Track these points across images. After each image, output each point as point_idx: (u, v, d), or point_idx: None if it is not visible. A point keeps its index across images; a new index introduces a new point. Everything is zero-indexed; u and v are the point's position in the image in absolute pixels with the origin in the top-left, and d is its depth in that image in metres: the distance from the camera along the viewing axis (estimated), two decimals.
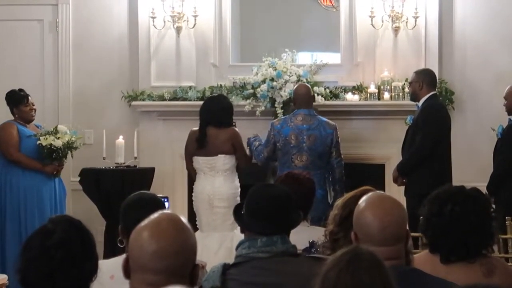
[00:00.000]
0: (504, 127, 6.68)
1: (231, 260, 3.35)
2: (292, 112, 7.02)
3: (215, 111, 6.83)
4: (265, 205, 3.29)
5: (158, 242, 2.27)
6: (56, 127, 7.34)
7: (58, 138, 7.17)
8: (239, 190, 6.84)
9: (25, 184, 7.16)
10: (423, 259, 3.19)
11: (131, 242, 2.34)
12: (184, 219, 2.39)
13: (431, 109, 6.75)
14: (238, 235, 6.44)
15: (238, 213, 3.42)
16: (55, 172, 7.27)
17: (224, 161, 6.79)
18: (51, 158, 7.17)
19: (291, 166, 6.66)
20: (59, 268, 2.56)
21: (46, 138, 7.14)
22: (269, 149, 6.82)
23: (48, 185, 7.27)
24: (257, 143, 6.95)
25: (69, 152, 7.30)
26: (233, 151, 6.81)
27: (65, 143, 7.19)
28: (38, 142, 7.13)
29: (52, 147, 7.11)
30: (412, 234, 4.62)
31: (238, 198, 6.71)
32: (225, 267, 3.21)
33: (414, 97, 6.89)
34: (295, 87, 7.11)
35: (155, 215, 2.35)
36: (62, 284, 2.56)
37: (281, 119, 6.87)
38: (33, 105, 7.30)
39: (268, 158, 6.90)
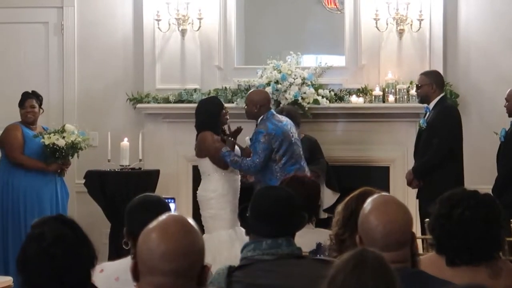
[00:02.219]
0: (507, 130, 6.68)
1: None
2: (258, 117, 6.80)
3: (195, 115, 6.86)
4: (270, 208, 3.30)
5: (166, 244, 2.28)
6: (64, 126, 7.36)
7: (63, 137, 7.18)
8: (214, 193, 6.68)
9: (25, 186, 7.18)
10: (429, 261, 3.18)
11: (139, 245, 2.34)
12: (192, 221, 2.40)
13: (447, 111, 6.82)
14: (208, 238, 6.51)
15: (243, 215, 3.43)
16: (59, 171, 7.28)
17: (200, 164, 6.80)
18: (55, 157, 7.19)
19: (298, 161, 6.67)
20: (63, 264, 2.58)
21: (50, 137, 7.16)
22: (265, 156, 6.62)
23: (49, 187, 7.28)
24: (235, 159, 6.65)
25: (74, 152, 7.31)
26: (204, 155, 6.78)
27: (68, 143, 7.19)
28: (42, 140, 7.15)
29: (55, 146, 7.13)
30: (424, 236, 4.64)
31: (213, 202, 6.67)
32: (230, 269, 3.22)
33: (425, 100, 6.87)
34: (256, 93, 6.92)
35: (162, 218, 2.36)
36: (70, 279, 2.58)
37: (265, 124, 6.67)
38: (33, 108, 7.30)
39: (264, 165, 6.69)
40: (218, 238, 6.51)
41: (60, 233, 2.62)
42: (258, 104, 6.72)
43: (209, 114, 6.75)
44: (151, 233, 2.32)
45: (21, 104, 7.30)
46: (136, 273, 2.35)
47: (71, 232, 2.65)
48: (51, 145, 7.12)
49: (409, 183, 6.88)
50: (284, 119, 6.84)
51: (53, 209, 7.21)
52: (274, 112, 6.84)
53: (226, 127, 6.88)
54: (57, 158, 7.20)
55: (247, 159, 6.65)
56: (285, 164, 6.64)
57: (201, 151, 6.77)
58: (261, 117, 6.72)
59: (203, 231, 6.61)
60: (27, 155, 7.19)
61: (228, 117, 6.85)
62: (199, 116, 6.82)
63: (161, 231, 2.31)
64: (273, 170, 6.66)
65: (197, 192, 6.83)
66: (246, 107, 6.81)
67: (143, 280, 2.32)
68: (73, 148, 7.26)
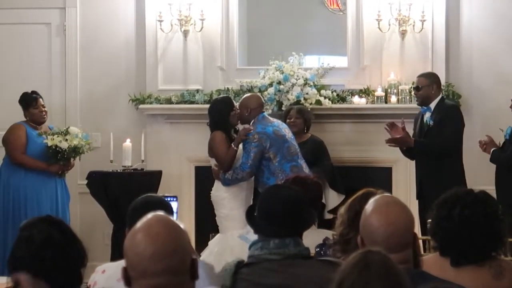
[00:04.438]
0: None
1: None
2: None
3: (208, 114, 6.89)
4: (277, 208, 3.29)
5: (153, 245, 2.29)
6: (68, 128, 7.35)
7: (66, 140, 7.18)
8: (227, 194, 6.72)
9: (25, 186, 7.19)
10: (432, 262, 3.18)
11: (126, 251, 2.35)
12: (175, 219, 2.43)
13: (455, 110, 6.88)
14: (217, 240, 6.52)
15: (250, 215, 3.42)
16: (60, 172, 7.27)
17: (212, 164, 6.83)
18: (56, 159, 7.19)
19: (293, 158, 6.70)
20: (53, 266, 2.58)
21: (53, 139, 7.16)
22: (255, 155, 6.62)
23: (49, 188, 7.27)
24: (229, 173, 6.69)
25: (76, 155, 7.30)
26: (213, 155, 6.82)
27: (71, 146, 7.19)
28: (45, 141, 7.15)
29: (57, 149, 7.13)
30: (425, 237, 4.64)
31: (225, 202, 6.71)
32: (238, 266, 3.22)
33: (426, 101, 6.84)
34: (249, 97, 6.92)
35: (143, 220, 2.37)
36: (60, 279, 2.59)
37: (254, 125, 6.70)
38: (44, 107, 7.32)
39: (255, 167, 6.66)
40: (231, 239, 6.52)
41: (49, 235, 2.63)
42: (249, 108, 6.77)
43: (219, 113, 6.79)
44: (136, 237, 2.33)
45: (34, 104, 7.27)
46: (127, 278, 2.35)
47: (59, 233, 2.65)
48: (54, 147, 7.13)
49: (396, 143, 6.84)
50: (275, 120, 6.90)
51: (53, 210, 7.21)
52: (266, 115, 6.88)
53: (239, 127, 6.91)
54: (58, 160, 7.20)
55: (238, 167, 6.67)
56: (280, 161, 6.66)
57: (210, 150, 6.79)
58: (253, 120, 6.76)
59: (217, 231, 6.65)
60: (29, 155, 7.20)
61: (237, 118, 6.86)
62: (211, 115, 6.87)
63: (145, 233, 2.32)
64: (270, 168, 6.67)
65: (211, 192, 6.85)
66: (239, 111, 6.83)
67: (137, 284, 2.33)
68: (75, 151, 7.25)
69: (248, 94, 7.17)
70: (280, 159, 6.67)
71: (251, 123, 6.77)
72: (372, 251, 2.29)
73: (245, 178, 6.70)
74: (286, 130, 6.85)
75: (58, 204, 7.32)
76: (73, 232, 2.71)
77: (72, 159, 7.33)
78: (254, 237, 3.39)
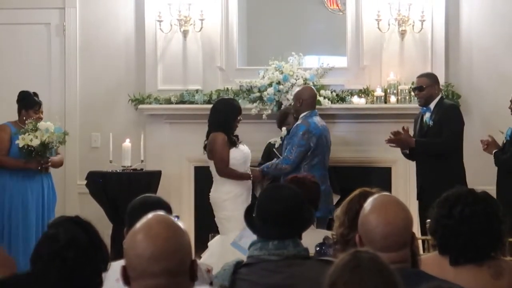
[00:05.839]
0: None
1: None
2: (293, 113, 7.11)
3: (212, 112, 6.86)
4: (277, 208, 3.29)
5: (153, 246, 2.29)
6: (37, 123, 7.22)
7: (37, 136, 7.10)
8: (228, 195, 6.71)
9: (11, 187, 7.15)
10: (431, 261, 3.18)
11: (126, 251, 2.35)
12: (175, 219, 2.42)
13: (455, 109, 6.90)
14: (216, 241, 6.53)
15: (248, 216, 3.41)
16: (40, 168, 7.20)
17: (212, 166, 6.79)
18: (31, 157, 7.12)
19: (325, 166, 6.85)
20: (74, 267, 2.59)
21: (24, 138, 7.09)
22: (299, 152, 6.74)
23: (35, 190, 7.23)
24: (272, 167, 6.85)
25: (47, 150, 7.21)
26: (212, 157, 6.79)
27: (42, 141, 7.10)
28: (17, 141, 7.10)
29: (30, 148, 7.08)
30: (424, 237, 4.64)
31: (227, 203, 6.68)
32: (237, 266, 3.22)
33: (429, 101, 6.83)
34: (302, 89, 7.13)
35: (144, 220, 2.37)
36: (80, 281, 2.59)
37: (307, 121, 6.82)
38: (42, 113, 7.30)
39: (296, 164, 6.76)
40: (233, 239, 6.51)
41: (74, 235, 2.63)
42: (301, 98, 6.93)
43: (226, 114, 6.73)
44: (136, 238, 2.33)
45: (37, 108, 7.22)
46: (126, 277, 2.35)
47: (85, 235, 2.65)
48: (26, 146, 7.06)
49: (397, 143, 6.86)
50: (324, 123, 7.01)
51: (39, 211, 7.18)
52: (318, 114, 6.98)
53: None
54: (33, 157, 7.14)
55: (280, 160, 6.80)
56: (314, 166, 6.71)
57: (210, 152, 6.74)
58: (305, 113, 6.86)
59: (217, 231, 6.63)
60: (14, 155, 7.14)
61: (238, 124, 6.84)
62: (216, 115, 6.77)
63: (145, 234, 2.32)
64: (300, 167, 6.70)
65: (210, 194, 6.80)
66: (293, 103, 7.09)
67: (135, 284, 2.33)
68: (44, 147, 7.17)
69: (304, 86, 7.32)
70: (316, 163, 6.77)
71: (301, 116, 6.86)
72: (360, 251, 2.31)
73: (283, 171, 6.77)
74: (328, 138, 6.99)
75: (44, 205, 7.29)
76: (99, 235, 2.70)
77: (47, 155, 7.24)
78: (246, 243, 3.38)
